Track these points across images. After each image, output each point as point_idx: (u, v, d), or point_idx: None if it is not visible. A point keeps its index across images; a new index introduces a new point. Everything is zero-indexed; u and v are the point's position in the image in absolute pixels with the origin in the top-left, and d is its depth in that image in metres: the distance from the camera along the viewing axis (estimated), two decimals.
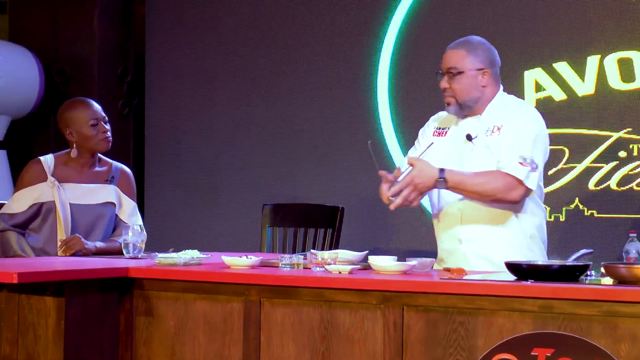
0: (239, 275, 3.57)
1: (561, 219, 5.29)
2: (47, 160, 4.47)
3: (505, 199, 3.85)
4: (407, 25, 5.90)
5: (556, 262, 3.29)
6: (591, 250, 3.54)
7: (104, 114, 4.49)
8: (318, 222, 4.90)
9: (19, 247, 4.31)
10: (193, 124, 6.65)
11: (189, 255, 3.87)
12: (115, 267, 3.75)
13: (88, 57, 6.87)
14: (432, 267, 3.65)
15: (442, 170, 3.81)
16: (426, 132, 4.14)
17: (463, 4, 5.69)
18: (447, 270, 3.49)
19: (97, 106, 4.50)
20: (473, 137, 3.95)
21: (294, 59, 6.29)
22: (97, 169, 4.52)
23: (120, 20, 6.98)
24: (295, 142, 6.29)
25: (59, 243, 4.33)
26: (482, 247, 3.93)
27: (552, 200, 5.24)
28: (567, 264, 3.27)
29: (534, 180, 3.86)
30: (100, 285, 3.66)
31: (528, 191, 3.87)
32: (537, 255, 3.94)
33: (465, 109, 3.98)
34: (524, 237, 3.94)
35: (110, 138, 4.47)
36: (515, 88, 5.25)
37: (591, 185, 5.19)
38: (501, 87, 4.04)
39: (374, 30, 6.00)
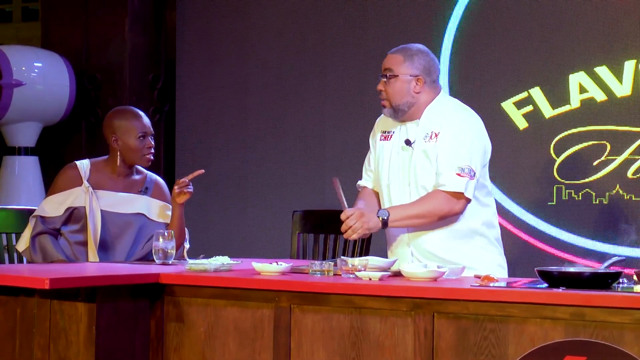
0: (269, 281, 3.57)
1: (604, 202, 5.62)
2: (83, 165, 4.47)
3: (449, 213, 3.92)
4: (441, 33, 5.91)
5: (588, 269, 3.27)
6: (624, 256, 3.52)
7: (152, 130, 4.48)
8: None
9: (57, 252, 4.32)
10: (223, 130, 6.66)
11: (220, 261, 3.87)
12: (146, 273, 3.76)
13: (119, 63, 6.90)
14: (462, 274, 3.64)
15: (383, 215, 3.89)
16: (375, 138, 4.22)
17: (514, 13, 5.77)
18: (477, 277, 3.48)
19: (147, 119, 4.49)
20: (412, 142, 4.01)
21: (325, 66, 6.30)
22: (131, 178, 4.51)
23: (151, 27, 7.01)
24: (326, 148, 6.29)
25: (88, 249, 4.34)
26: (428, 247, 3.99)
27: (597, 187, 5.63)
28: (599, 271, 3.25)
29: (471, 189, 3.91)
30: (131, 291, 3.68)
31: (468, 200, 3.93)
32: (489, 251, 4.01)
33: (399, 113, 4.03)
34: (471, 234, 4.00)
35: (153, 155, 4.46)
36: (561, 90, 5.67)
37: (629, 174, 5.54)
38: (441, 92, 4.08)
39: (408, 39, 6.00)
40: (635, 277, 3.20)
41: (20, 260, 4.52)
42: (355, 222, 3.89)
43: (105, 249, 4.40)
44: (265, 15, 6.53)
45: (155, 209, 4.50)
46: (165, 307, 3.75)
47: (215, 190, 6.68)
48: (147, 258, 4.39)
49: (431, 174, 3.96)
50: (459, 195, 3.89)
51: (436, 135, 3.96)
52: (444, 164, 3.92)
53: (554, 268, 3.34)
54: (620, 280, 3.22)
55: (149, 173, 4.58)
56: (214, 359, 3.66)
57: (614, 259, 3.48)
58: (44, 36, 7.14)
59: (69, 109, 6.91)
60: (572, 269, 3.30)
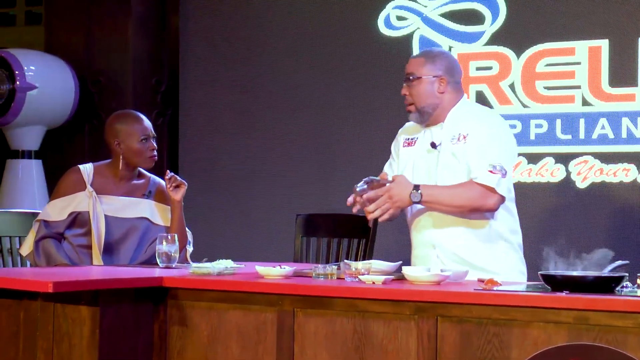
0: (273, 285, 3.57)
1: None
2: (87, 169, 4.47)
3: (482, 207, 3.91)
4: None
5: (592, 273, 3.27)
6: (627, 261, 3.52)
7: (154, 132, 4.49)
8: (352, 232, 4.89)
9: (61, 256, 4.32)
10: (227, 134, 6.66)
11: (223, 265, 3.87)
12: (150, 277, 3.76)
13: (122, 67, 6.91)
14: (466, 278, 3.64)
15: (417, 185, 3.89)
16: (397, 145, 4.21)
17: None
18: (481, 281, 3.48)
19: (148, 122, 4.50)
20: (437, 144, 4.01)
21: (331, 69, 6.30)
22: (134, 182, 4.52)
23: (154, 31, 7.01)
24: (329, 152, 6.29)
25: (93, 254, 4.35)
26: (455, 250, 3.97)
27: None
28: (603, 275, 3.25)
29: (504, 187, 3.91)
30: (135, 294, 3.68)
31: (502, 198, 3.92)
32: (511, 257, 4.00)
33: (425, 116, 4.04)
34: (497, 239, 3.99)
35: (156, 157, 4.47)
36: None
37: None
38: (464, 96, 4.11)
39: (408, 41, 6.01)
40: (639, 281, 3.19)
41: (24, 264, 4.52)
42: (385, 203, 3.88)
43: (109, 252, 4.41)
44: (269, 18, 6.53)
45: (158, 212, 4.50)
46: (169, 310, 3.75)
47: (219, 193, 6.68)
48: (150, 262, 4.40)
49: (458, 175, 3.95)
50: (492, 191, 3.88)
51: (464, 137, 3.97)
52: (476, 162, 3.91)
53: (557, 272, 3.33)
54: (624, 284, 3.22)
55: (152, 176, 4.58)
56: None
57: (618, 262, 3.48)
58: (48, 40, 7.15)
59: (72, 112, 6.91)
60: (575, 273, 3.30)
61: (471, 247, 3.97)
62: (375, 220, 3.96)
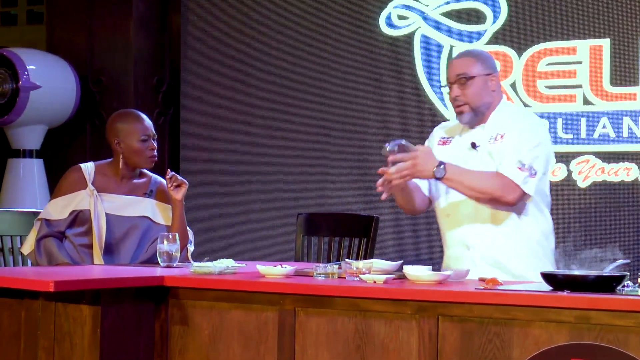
0: (274, 284, 3.57)
1: None
2: (88, 168, 4.47)
3: (501, 199, 3.87)
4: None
5: (593, 272, 3.27)
6: (628, 260, 3.52)
7: (154, 131, 4.49)
8: (353, 232, 4.90)
9: (62, 255, 4.32)
10: (228, 133, 6.66)
11: (224, 264, 3.87)
12: (151, 276, 3.76)
13: (124, 67, 6.90)
14: (467, 277, 3.64)
15: (442, 162, 3.84)
16: (431, 142, 4.18)
17: None
18: (482, 280, 3.48)
19: (149, 122, 4.50)
20: (477, 145, 3.98)
21: (330, 69, 6.29)
22: (136, 180, 4.52)
23: (155, 31, 7.01)
24: (331, 151, 6.29)
25: (93, 253, 4.35)
26: (489, 252, 3.94)
27: None
28: (604, 274, 3.25)
29: (531, 186, 3.88)
30: (136, 294, 3.68)
31: (525, 195, 3.89)
32: (544, 263, 3.95)
33: (479, 115, 4.00)
34: (530, 243, 3.96)
35: (156, 157, 4.47)
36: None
37: None
38: (504, 97, 4.10)
39: (409, 40, 6.01)
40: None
41: (25, 263, 4.52)
42: (407, 169, 3.83)
43: (110, 252, 4.41)
44: (270, 18, 6.53)
45: (159, 211, 4.50)
46: (170, 309, 3.75)
47: (220, 192, 6.68)
48: (151, 261, 4.40)
49: None
50: (515, 185, 3.85)
51: (501, 137, 3.95)
52: (507, 158, 3.89)
53: (558, 271, 3.33)
54: (625, 283, 3.22)
55: (153, 175, 4.58)
56: None
57: (619, 262, 3.48)
58: (49, 39, 7.15)
59: (74, 112, 6.91)
60: (576, 272, 3.30)
61: (506, 251, 3.92)
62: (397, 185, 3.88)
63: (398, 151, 3.85)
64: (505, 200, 3.87)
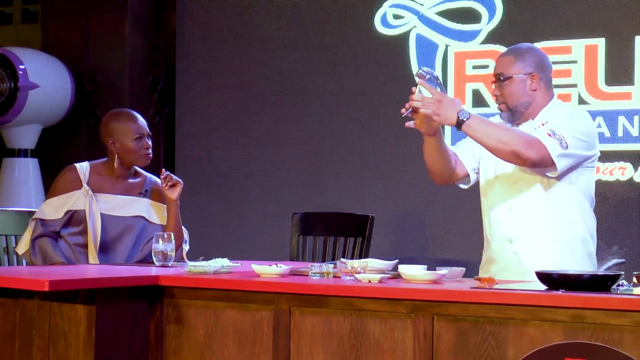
0: (269, 283, 3.57)
1: None
2: (83, 167, 4.47)
3: (522, 153, 3.74)
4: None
5: (587, 271, 3.27)
6: (623, 260, 3.52)
7: (148, 130, 4.49)
8: (348, 231, 4.90)
9: (57, 255, 4.32)
10: (223, 132, 6.66)
11: (219, 263, 3.87)
12: (146, 275, 3.76)
13: (119, 66, 6.90)
14: (462, 276, 3.64)
15: (463, 116, 3.74)
16: None
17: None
18: (478, 279, 3.48)
19: (143, 121, 4.50)
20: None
21: (326, 67, 6.30)
22: (131, 180, 4.52)
23: (150, 30, 7.01)
24: (326, 150, 6.29)
25: (89, 253, 4.34)
26: (532, 246, 3.88)
27: None
28: (599, 273, 3.25)
29: (559, 154, 3.77)
30: (131, 293, 3.68)
31: (548, 157, 3.77)
32: (586, 261, 3.89)
33: (517, 115, 3.96)
34: (575, 240, 3.89)
35: (151, 154, 4.47)
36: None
37: None
38: (555, 95, 4.03)
39: (404, 39, 6.01)
40: (635, 280, 3.19)
41: (20, 263, 4.52)
42: (432, 103, 3.71)
43: (105, 251, 4.41)
44: (265, 17, 6.53)
45: (154, 211, 4.50)
46: (165, 309, 3.75)
47: (215, 192, 6.68)
48: (146, 260, 4.40)
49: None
50: (540, 145, 3.76)
51: (543, 124, 3.88)
52: (539, 129, 3.84)
53: (553, 270, 3.34)
54: (620, 282, 3.22)
55: (148, 175, 4.58)
56: None
57: (614, 261, 3.48)
58: (44, 38, 7.14)
59: (68, 111, 6.91)
60: (571, 271, 3.30)
61: (550, 248, 3.86)
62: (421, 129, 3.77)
63: (432, 79, 3.76)
64: (527, 155, 3.74)
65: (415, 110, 3.77)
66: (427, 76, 3.76)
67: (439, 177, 4.06)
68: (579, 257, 3.88)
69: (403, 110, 3.79)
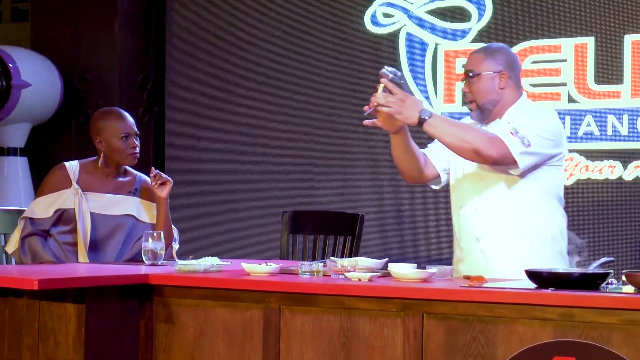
0: (259, 282, 3.57)
1: None
2: (72, 166, 4.47)
3: (482, 152, 3.75)
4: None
5: (577, 270, 3.28)
6: (612, 258, 3.53)
7: (136, 129, 4.48)
8: (338, 230, 4.90)
9: (47, 253, 4.32)
10: (213, 131, 6.66)
11: (209, 262, 3.87)
12: (136, 274, 3.76)
13: (109, 65, 6.89)
14: (452, 275, 3.64)
15: (425, 115, 3.74)
16: None
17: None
18: (467, 277, 3.48)
19: (130, 120, 4.50)
20: None
21: (314, 66, 6.30)
22: (120, 179, 4.51)
23: (140, 28, 7.00)
24: (316, 149, 6.29)
25: (78, 251, 4.34)
26: (499, 244, 3.90)
27: None
28: (588, 272, 3.26)
29: (521, 152, 3.78)
30: (121, 292, 3.67)
31: (509, 155, 3.77)
32: (557, 259, 3.90)
33: (486, 112, 3.98)
34: (543, 238, 3.91)
35: (138, 154, 4.46)
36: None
37: None
38: (524, 94, 4.05)
39: (394, 38, 6.02)
40: (624, 278, 3.20)
41: (9, 262, 4.51)
42: (395, 102, 3.73)
43: (95, 250, 4.40)
44: (255, 16, 6.52)
45: (144, 210, 4.50)
46: (155, 308, 3.75)
47: (205, 190, 6.68)
48: (136, 259, 4.39)
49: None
50: (501, 143, 3.77)
51: (509, 123, 3.89)
52: (502, 128, 3.86)
53: (543, 269, 3.34)
54: (609, 281, 3.23)
55: (138, 174, 4.58)
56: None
57: (603, 259, 3.49)
58: (34, 37, 7.12)
59: (57, 109, 6.89)
60: (561, 270, 3.30)
61: (516, 246, 3.88)
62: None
63: (394, 81, 3.77)
64: (487, 154, 3.75)
65: (377, 109, 3.79)
66: (391, 75, 3.78)
67: (408, 175, 4.09)
68: (549, 256, 3.89)
69: (366, 107, 3.81)
